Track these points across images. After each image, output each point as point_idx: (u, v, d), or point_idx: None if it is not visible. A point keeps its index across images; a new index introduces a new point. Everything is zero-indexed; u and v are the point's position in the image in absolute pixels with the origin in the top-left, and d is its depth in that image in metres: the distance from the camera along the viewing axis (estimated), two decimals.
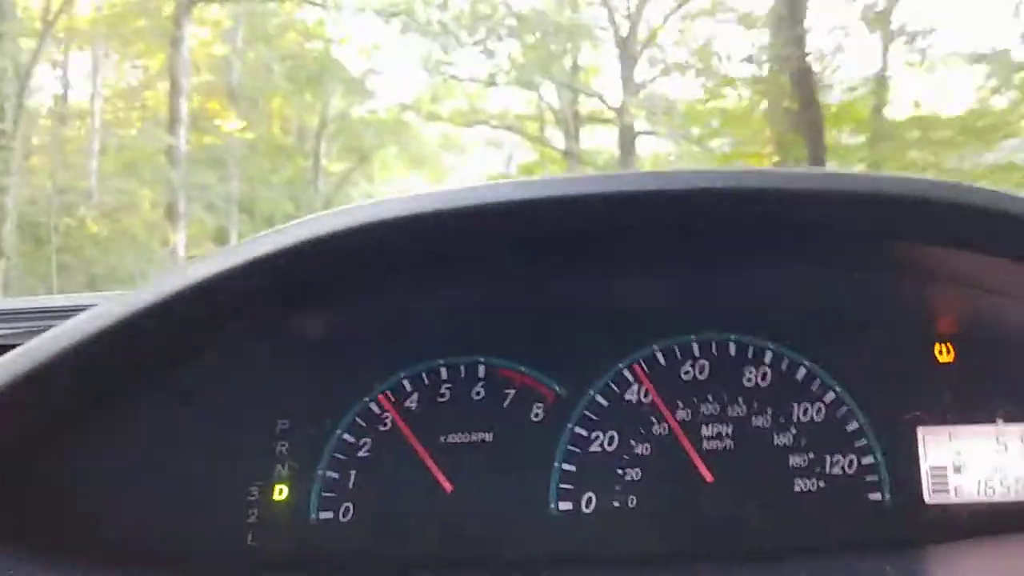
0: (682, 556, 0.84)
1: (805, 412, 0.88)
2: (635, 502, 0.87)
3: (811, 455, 0.87)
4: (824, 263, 0.89)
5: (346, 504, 0.88)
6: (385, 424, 0.90)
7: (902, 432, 0.87)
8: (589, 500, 0.87)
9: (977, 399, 0.87)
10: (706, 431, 0.88)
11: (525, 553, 0.85)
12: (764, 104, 9.34)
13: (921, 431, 0.87)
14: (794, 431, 0.88)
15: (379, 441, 0.89)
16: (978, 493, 0.86)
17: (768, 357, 0.90)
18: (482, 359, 0.91)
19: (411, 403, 0.91)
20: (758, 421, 0.88)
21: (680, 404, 0.89)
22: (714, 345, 0.91)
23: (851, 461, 0.87)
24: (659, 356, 0.91)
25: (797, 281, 0.90)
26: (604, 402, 0.90)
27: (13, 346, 0.73)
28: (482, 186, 0.77)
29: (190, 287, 0.72)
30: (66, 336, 0.71)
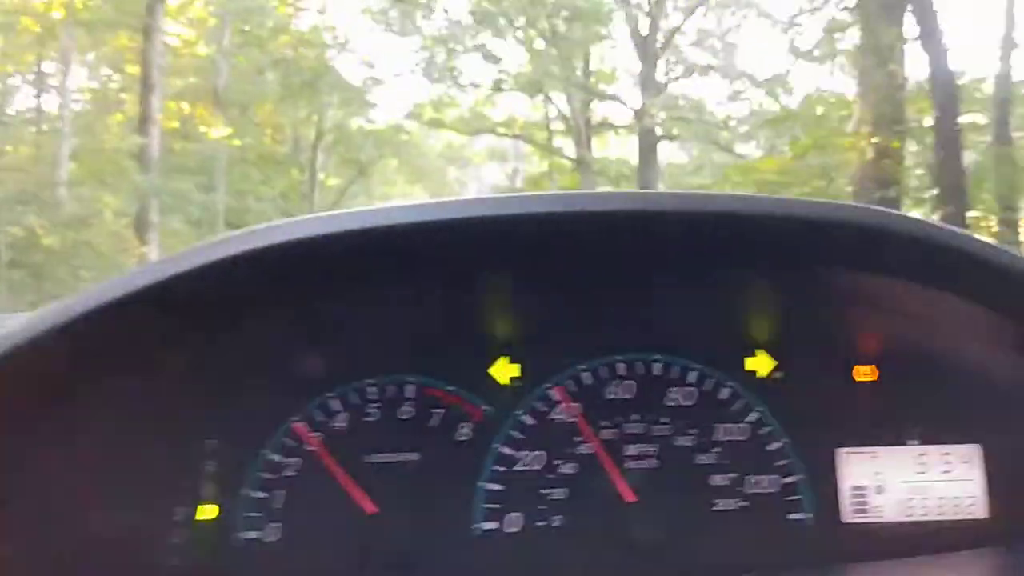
0: None
1: (728, 432, 0.89)
2: (560, 521, 0.87)
3: (733, 475, 0.88)
4: (748, 286, 0.90)
5: (272, 524, 0.88)
6: (312, 444, 0.90)
7: (824, 452, 0.88)
8: (514, 520, 0.87)
9: (898, 420, 0.88)
10: (630, 450, 0.89)
11: (446, 574, 0.85)
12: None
13: (842, 452, 0.88)
14: (717, 451, 0.88)
15: (306, 461, 0.89)
16: (898, 513, 0.87)
17: (692, 377, 0.91)
18: (410, 378, 0.92)
19: (339, 423, 0.91)
20: (681, 441, 0.89)
21: (605, 423, 0.90)
22: (639, 365, 0.91)
23: (773, 481, 0.88)
24: (585, 376, 0.91)
25: (722, 303, 0.91)
26: (531, 421, 0.90)
27: None
28: (409, 205, 0.77)
29: (103, 305, 0.72)
30: None
